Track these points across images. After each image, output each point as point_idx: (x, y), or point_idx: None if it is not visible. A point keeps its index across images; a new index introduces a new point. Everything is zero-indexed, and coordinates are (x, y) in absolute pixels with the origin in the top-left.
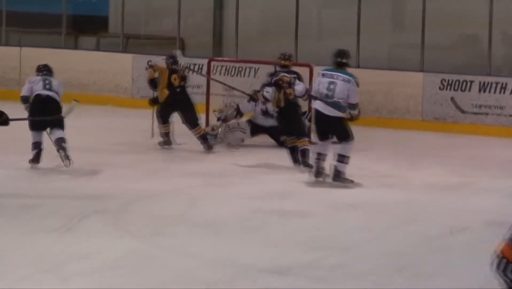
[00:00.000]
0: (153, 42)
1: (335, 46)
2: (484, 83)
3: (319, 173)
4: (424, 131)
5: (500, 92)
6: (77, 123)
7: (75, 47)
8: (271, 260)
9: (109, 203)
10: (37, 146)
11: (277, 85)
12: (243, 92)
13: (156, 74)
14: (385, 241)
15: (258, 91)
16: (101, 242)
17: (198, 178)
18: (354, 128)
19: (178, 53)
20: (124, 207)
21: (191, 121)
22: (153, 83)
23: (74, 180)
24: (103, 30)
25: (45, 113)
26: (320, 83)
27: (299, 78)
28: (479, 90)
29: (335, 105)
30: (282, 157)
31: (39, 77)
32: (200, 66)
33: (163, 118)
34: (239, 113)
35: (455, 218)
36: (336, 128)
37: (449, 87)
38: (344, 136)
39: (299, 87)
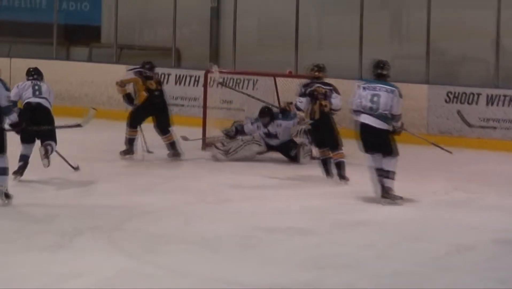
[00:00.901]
0: (148, 53)
1: (336, 56)
2: (491, 96)
3: (387, 192)
4: (429, 146)
5: (508, 105)
6: (68, 137)
7: (67, 58)
8: (270, 280)
9: (102, 220)
10: (24, 159)
11: (312, 96)
12: (272, 105)
13: (128, 89)
14: (390, 259)
15: (290, 103)
16: (94, 260)
17: (194, 194)
18: (354, 142)
19: (214, 68)
20: (118, 224)
21: (163, 127)
22: (128, 99)
23: (65, 196)
24: (95, 40)
25: (36, 123)
26: (362, 97)
27: (335, 90)
28: (487, 103)
29: (382, 117)
30: (282, 172)
31: (28, 83)
32: (197, 78)
33: (134, 122)
34: (241, 134)
35: (462, 235)
36: (381, 142)
37: (455, 100)
38: (389, 151)
39: (337, 100)
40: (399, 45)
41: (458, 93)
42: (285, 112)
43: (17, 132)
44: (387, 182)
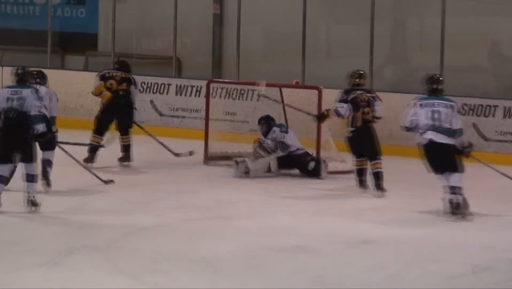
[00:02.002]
0: (147, 62)
1: (346, 66)
2: (509, 108)
3: (457, 208)
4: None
5: None
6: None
7: (62, 66)
8: None
9: (99, 237)
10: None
11: (355, 103)
12: (310, 114)
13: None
14: (401, 281)
15: (328, 109)
16: (89, 280)
17: (195, 210)
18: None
19: (262, 84)
20: (115, 241)
21: (124, 127)
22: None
23: (60, 212)
24: (92, 48)
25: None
26: (420, 115)
27: (378, 98)
28: (504, 116)
29: (446, 133)
30: (288, 187)
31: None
32: (198, 89)
33: (100, 129)
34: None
35: (478, 255)
36: (448, 158)
37: (471, 112)
38: (456, 167)
39: (380, 108)
40: (411, 55)
41: (474, 105)
42: (324, 119)
43: (43, 142)
44: (457, 198)
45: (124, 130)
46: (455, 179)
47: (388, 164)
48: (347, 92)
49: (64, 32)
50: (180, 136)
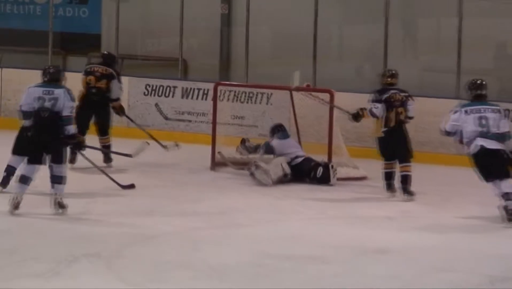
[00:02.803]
0: (152, 63)
1: (359, 69)
2: None
3: None
4: (459, 167)
5: None
6: None
7: (63, 68)
8: None
9: (101, 245)
10: (11, 171)
11: (389, 103)
12: (347, 112)
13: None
14: None
15: (364, 108)
16: None
17: (200, 218)
18: (379, 163)
19: (296, 74)
20: (118, 250)
21: (101, 127)
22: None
23: (61, 219)
24: (94, 49)
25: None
26: (466, 121)
27: (411, 97)
28: None
29: (496, 138)
30: (296, 193)
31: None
32: (205, 92)
33: (80, 126)
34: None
35: (495, 265)
36: (499, 164)
37: None
38: (507, 173)
39: (413, 107)
40: (427, 57)
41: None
42: (359, 118)
43: (78, 148)
44: (510, 204)
45: (103, 131)
46: (507, 184)
47: None
48: (380, 92)
49: (65, 32)
50: (186, 141)
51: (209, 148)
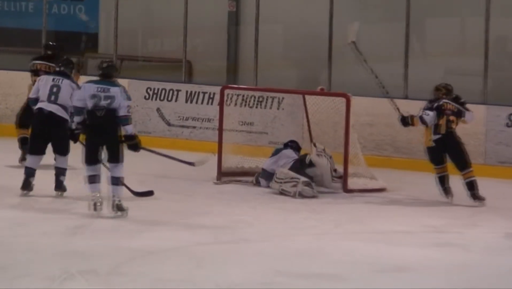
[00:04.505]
0: (153, 65)
1: (377, 72)
2: None
3: None
4: (485, 178)
5: None
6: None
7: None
8: None
9: (98, 262)
10: (30, 172)
11: (440, 110)
12: (399, 111)
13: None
14: None
15: (414, 116)
16: None
17: (205, 232)
18: (399, 173)
19: (354, 26)
20: (116, 267)
21: None
22: None
23: (55, 234)
24: (91, 50)
25: (46, 135)
26: None
27: (465, 107)
28: None
29: None
30: (309, 206)
31: (50, 78)
32: (211, 95)
33: (24, 120)
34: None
35: None
36: None
37: None
38: None
39: (470, 114)
40: (451, 59)
41: None
42: (406, 125)
43: (134, 149)
44: None
45: None
46: None
47: (423, 181)
48: (432, 100)
49: (60, 31)
50: (190, 149)
51: (215, 156)
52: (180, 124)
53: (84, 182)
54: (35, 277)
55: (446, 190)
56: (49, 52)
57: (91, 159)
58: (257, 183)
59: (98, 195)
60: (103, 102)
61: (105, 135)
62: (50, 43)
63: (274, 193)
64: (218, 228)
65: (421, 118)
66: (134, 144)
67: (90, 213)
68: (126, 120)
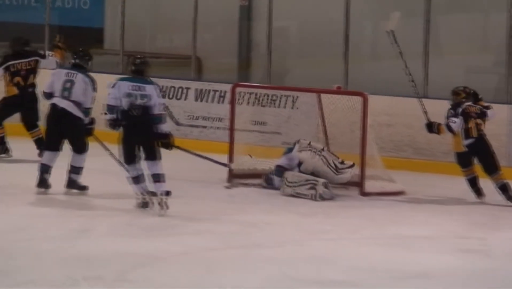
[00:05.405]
0: (162, 62)
1: (395, 69)
2: None
3: None
4: (509, 180)
5: None
6: (62, 165)
7: (61, 66)
8: None
9: (104, 268)
10: (45, 169)
11: (465, 114)
12: (427, 115)
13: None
14: None
15: (440, 124)
16: None
17: (216, 237)
18: (415, 175)
19: (395, 16)
20: (122, 273)
21: (31, 121)
22: None
23: (59, 239)
24: (96, 45)
25: (59, 131)
26: None
27: (486, 107)
28: None
29: None
30: (324, 210)
31: (63, 72)
32: (222, 94)
33: (1, 118)
34: None
35: None
36: None
37: None
38: None
39: (493, 112)
40: (473, 56)
41: None
42: (432, 132)
43: (167, 147)
44: None
45: (33, 125)
46: None
47: (444, 184)
48: (454, 107)
49: (64, 26)
50: (200, 149)
51: (226, 157)
52: (189, 123)
53: (129, 183)
54: (38, 283)
55: (478, 191)
56: (27, 48)
57: (130, 158)
58: (268, 184)
59: (146, 195)
60: (139, 101)
61: (142, 133)
62: (22, 37)
63: (287, 196)
64: (228, 232)
65: (447, 126)
66: (167, 143)
67: (96, 216)
68: (161, 118)
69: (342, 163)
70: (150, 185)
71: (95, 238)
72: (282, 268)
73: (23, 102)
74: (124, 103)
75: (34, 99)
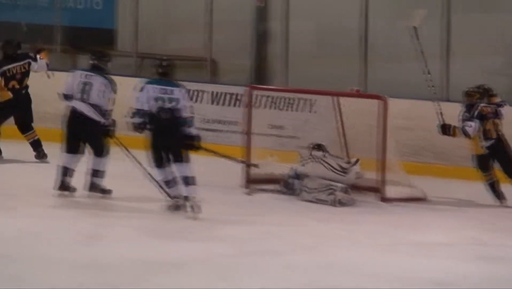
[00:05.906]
0: (176, 63)
1: (415, 71)
2: None
3: None
4: None
5: None
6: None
7: (73, 68)
8: None
9: (116, 276)
10: (64, 172)
11: (481, 116)
12: (441, 116)
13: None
14: None
15: (455, 127)
16: None
17: (232, 243)
18: (439, 181)
19: (420, 13)
20: (135, 280)
21: (26, 123)
22: None
23: (69, 245)
24: (109, 47)
25: (78, 134)
26: None
27: (502, 104)
28: None
29: None
30: (343, 216)
31: (81, 74)
32: (238, 97)
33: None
34: None
35: None
36: None
37: None
38: None
39: (503, 109)
40: (495, 58)
41: None
42: (448, 134)
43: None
44: None
45: (27, 127)
46: None
47: (465, 190)
48: (468, 108)
49: (75, 27)
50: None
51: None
52: (204, 127)
53: (158, 186)
54: None
55: (499, 195)
56: (19, 51)
57: (160, 161)
58: (287, 188)
59: (178, 198)
60: (168, 105)
61: (171, 137)
62: (14, 40)
63: (305, 202)
64: (245, 239)
65: (463, 130)
66: (194, 145)
67: (106, 221)
68: (190, 121)
69: (348, 162)
70: (181, 188)
71: (107, 244)
72: (298, 275)
73: (17, 105)
74: (152, 106)
75: (28, 100)
